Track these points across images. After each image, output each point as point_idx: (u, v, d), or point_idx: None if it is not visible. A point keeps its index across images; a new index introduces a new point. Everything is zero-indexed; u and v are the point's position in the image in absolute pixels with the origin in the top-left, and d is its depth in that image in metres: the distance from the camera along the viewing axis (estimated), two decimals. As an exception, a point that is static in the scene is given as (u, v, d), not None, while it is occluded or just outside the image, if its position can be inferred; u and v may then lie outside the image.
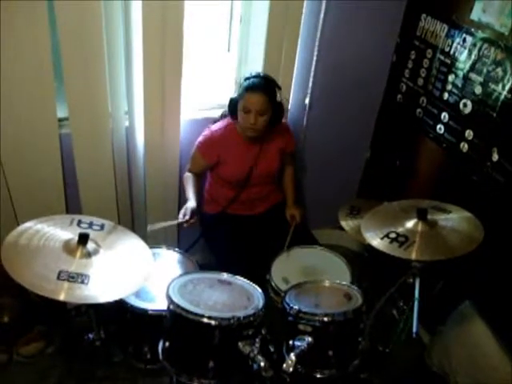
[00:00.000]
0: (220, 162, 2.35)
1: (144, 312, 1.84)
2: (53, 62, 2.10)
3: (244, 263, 2.21)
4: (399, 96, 2.71)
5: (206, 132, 2.36)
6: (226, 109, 2.31)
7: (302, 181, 2.98)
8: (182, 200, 2.69)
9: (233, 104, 2.24)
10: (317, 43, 2.53)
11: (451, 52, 2.30)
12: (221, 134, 2.33)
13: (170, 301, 1.65)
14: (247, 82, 2.20)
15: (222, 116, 2.43)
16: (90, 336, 1.88)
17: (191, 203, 2.22)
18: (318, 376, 1.76)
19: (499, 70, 2.05)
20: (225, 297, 1.74)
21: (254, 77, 2.22)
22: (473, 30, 2.16)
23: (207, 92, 2.65)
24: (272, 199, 2.54)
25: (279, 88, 2.25)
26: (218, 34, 2.62)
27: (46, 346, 2.37)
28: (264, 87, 2.18)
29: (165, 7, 2.11)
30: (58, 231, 1.73)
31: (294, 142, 2.52)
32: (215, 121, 2.43)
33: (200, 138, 2.35)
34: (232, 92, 2.32)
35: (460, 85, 2.26)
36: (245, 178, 2.37)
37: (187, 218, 2.13)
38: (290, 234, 2.36)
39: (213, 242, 2.47)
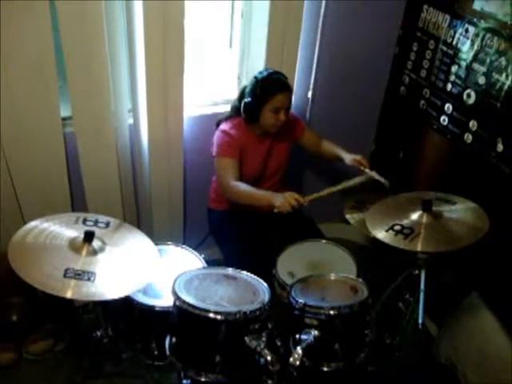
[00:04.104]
0: (240, 159, 2.25)
1: (151, 308, 1.85)
2: (56, 62, 2.10)
3: (251, 259, 2.21)
4: (402, 88, 2.70)
5: (219, 134, 2.24)
6: (230, 112, 2.28)
7: (307, 174, 2.97)
8: (188, 196, 2.71)
9: (253, 108, 2.15)
10: (319, 36, 2.53)
11: (454, 43, 2.28)
12: (235, 133, 2.24)
13: (176, 297, 1.65)
14: (271, 82, 2.14)
15: (227, 118, 2.32)
16: (98, 333, 1.89)
17: (274, 194, 2.08)
18: (325, 369, 1.76)
19: (503, 59, 2.04)
20: (231, 292, 1.74)
21: (272, 75, 2.15)
22: (475, 19, 2.15)
23: (210, 88, 2.65)
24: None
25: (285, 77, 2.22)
26: (219, 30, 2.62)
27: (55, 344, 2.38)
28: (287, 83, 2.17)
29: (166, 5, 2.11)
30: (63, 229, 1.74)
31: (303, 124, 2.47)
32: (217, 123, 2.34)
33: (216, 145, 2.24)
34: (235, 91, 2.25)
35: (463, 75, 2.25)
36: (260, 173, 2.35)
37: (302, 199, 2.04)
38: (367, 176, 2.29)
39: (221, 239, 2.47)
